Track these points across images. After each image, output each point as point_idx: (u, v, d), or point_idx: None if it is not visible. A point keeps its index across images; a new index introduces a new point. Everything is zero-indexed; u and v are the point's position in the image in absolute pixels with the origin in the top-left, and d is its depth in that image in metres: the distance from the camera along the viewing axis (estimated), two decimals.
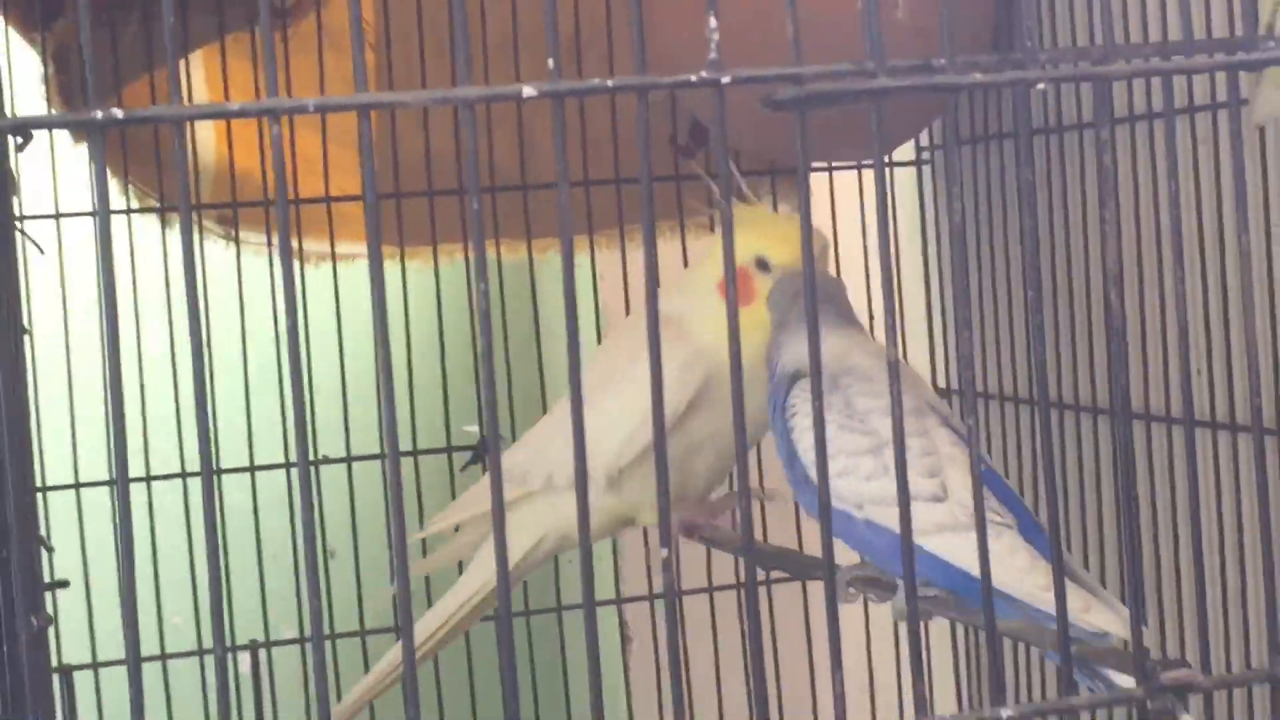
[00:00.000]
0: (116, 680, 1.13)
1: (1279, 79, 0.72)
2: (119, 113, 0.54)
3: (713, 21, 0.58)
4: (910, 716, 0.56)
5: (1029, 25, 1.06)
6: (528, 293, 1.31)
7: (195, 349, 0.54)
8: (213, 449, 0.57)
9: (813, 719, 1.28)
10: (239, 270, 1.24)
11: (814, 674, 1.25)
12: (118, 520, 0.54)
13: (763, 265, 1.02)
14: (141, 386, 1.16)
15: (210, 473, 0.55)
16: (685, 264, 1.31)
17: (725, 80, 0.57)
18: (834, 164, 1.32)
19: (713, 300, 1.00)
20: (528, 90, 0.57)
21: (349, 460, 1.27)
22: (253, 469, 1.26)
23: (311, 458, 1.13)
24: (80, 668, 1.19)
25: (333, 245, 1.27)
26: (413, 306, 1.27)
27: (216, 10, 1.22)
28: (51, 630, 1.04)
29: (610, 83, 0.58)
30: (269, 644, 1.24)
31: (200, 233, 1.26)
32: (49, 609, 0.97)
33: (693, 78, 0.57)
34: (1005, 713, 0.59)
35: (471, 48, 1.21)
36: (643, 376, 0.67)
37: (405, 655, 0.57)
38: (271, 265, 1.25)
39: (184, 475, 1.24)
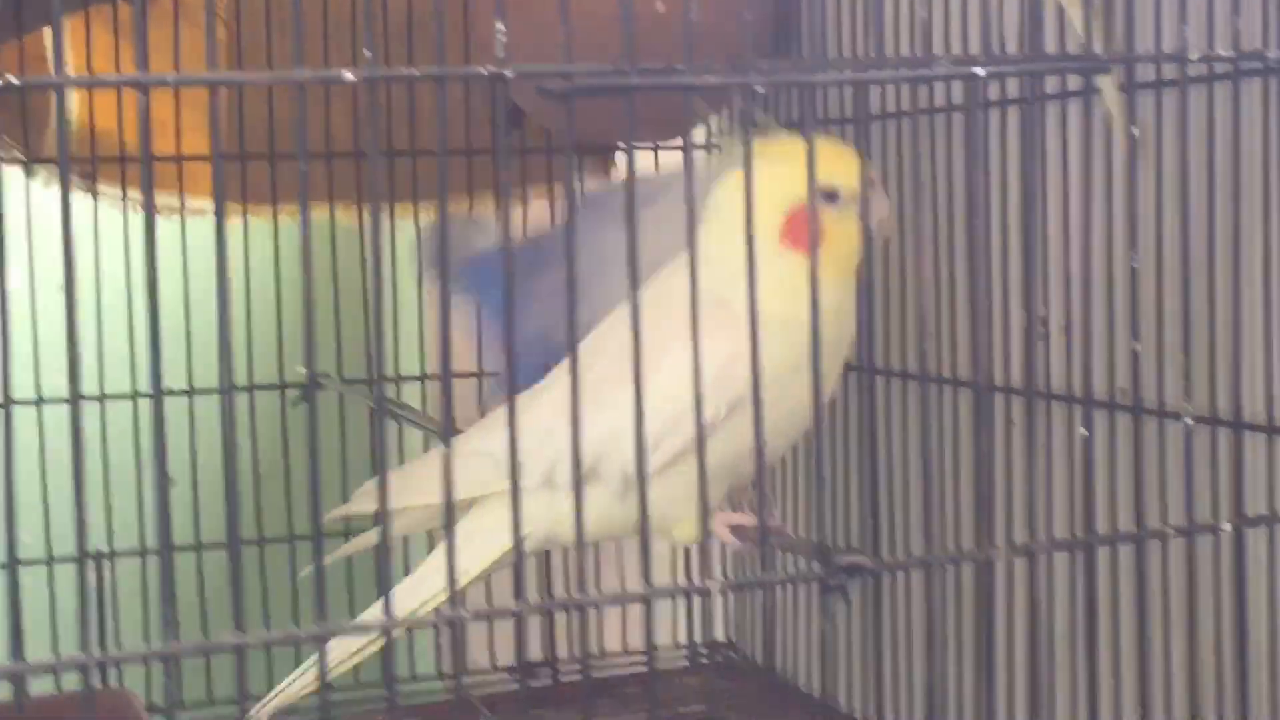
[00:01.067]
0: None
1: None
2: (14, 79, 0.62)
3: (500, 25, 0.69)
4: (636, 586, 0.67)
5: (753, 35, 1.15)
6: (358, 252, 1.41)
7: (69, 291, 0.63)
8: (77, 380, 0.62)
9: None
10: (95, 220, 1.32)
11: None
12: None
13: (831, 197, 0.88)
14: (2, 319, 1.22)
15: (77, 400, 0.62)
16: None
17: (509, 74, 0.67)
18: (635, 144, 1.42)
19: (772, 257, 0.84)
20: (348, 74, 0.67)
21: (190, 393, 1.35)
22: (102, 398, 1.33)
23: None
24: None
25: (182, 200, 1.35)
26: (253, 259, 1.37)
27: None
28: None
29: (416, 71, 0.69)
30: (113, 555, 1.33)
31: (64, 185, 1.33)
32: None
33: (483, 70, 0.68)
34: (712, 583, 0.67)
35: (315, 26, 1.33)
36: (679, 363, 0.69)
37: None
38: (125, 216, 1.34)
39: (39, 402, 1.30)
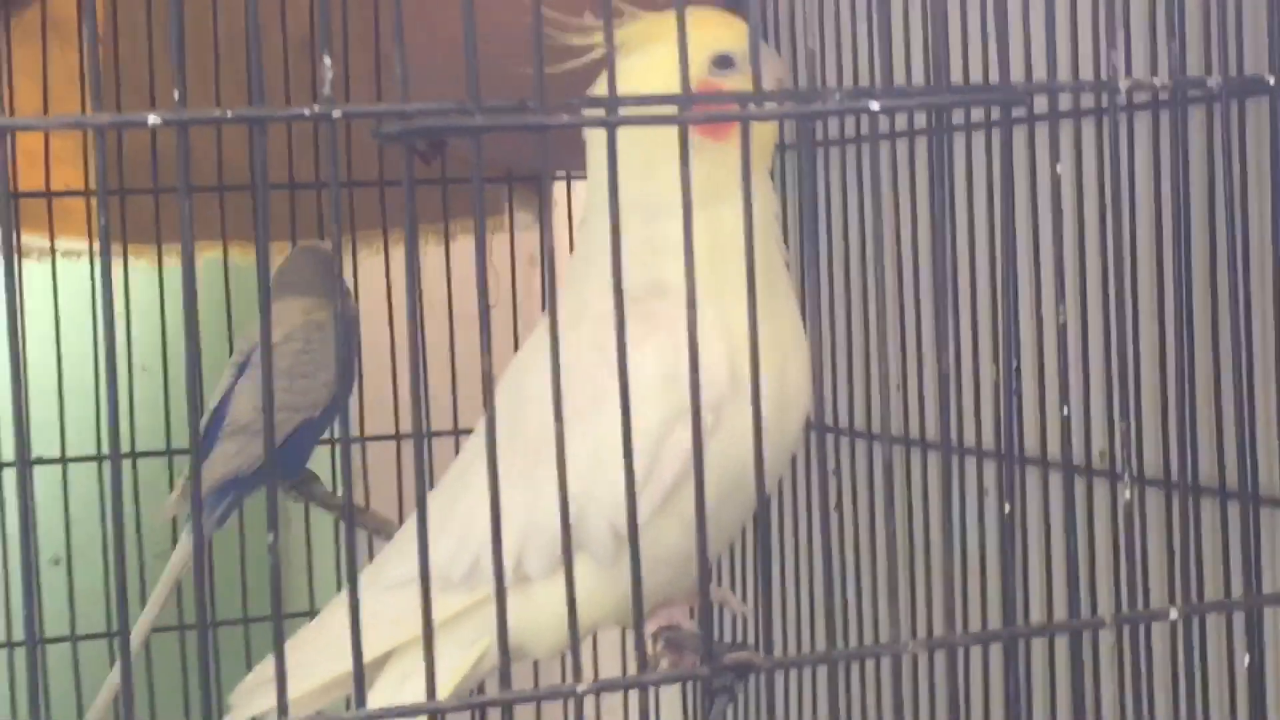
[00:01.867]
0: None
1: None
2: None
3: (327, 60, 0.66)
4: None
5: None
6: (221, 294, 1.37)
7: None
8: None
9: None
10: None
11: None
12: None
13: (725, 63, 0.81)
14: None
15: None
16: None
17: (336, 114, 0.65)
18: (571, 173, 1.41)
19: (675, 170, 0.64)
20: (152, 118, 0.64)
21: (64, 461, 1.33)
22: None
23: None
24: None
25: (52, 240, 1.33)
26: (135, 304, 1.31)
27: None
28: None
29: (229, 113, 0.66)
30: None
31: None
32: None
33: (306, 111, 0.65)
34: (580, 688, 0.65)
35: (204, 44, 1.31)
36: (638, 381, 0.61)
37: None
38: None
39: None
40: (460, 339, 1.37)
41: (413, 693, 0.79)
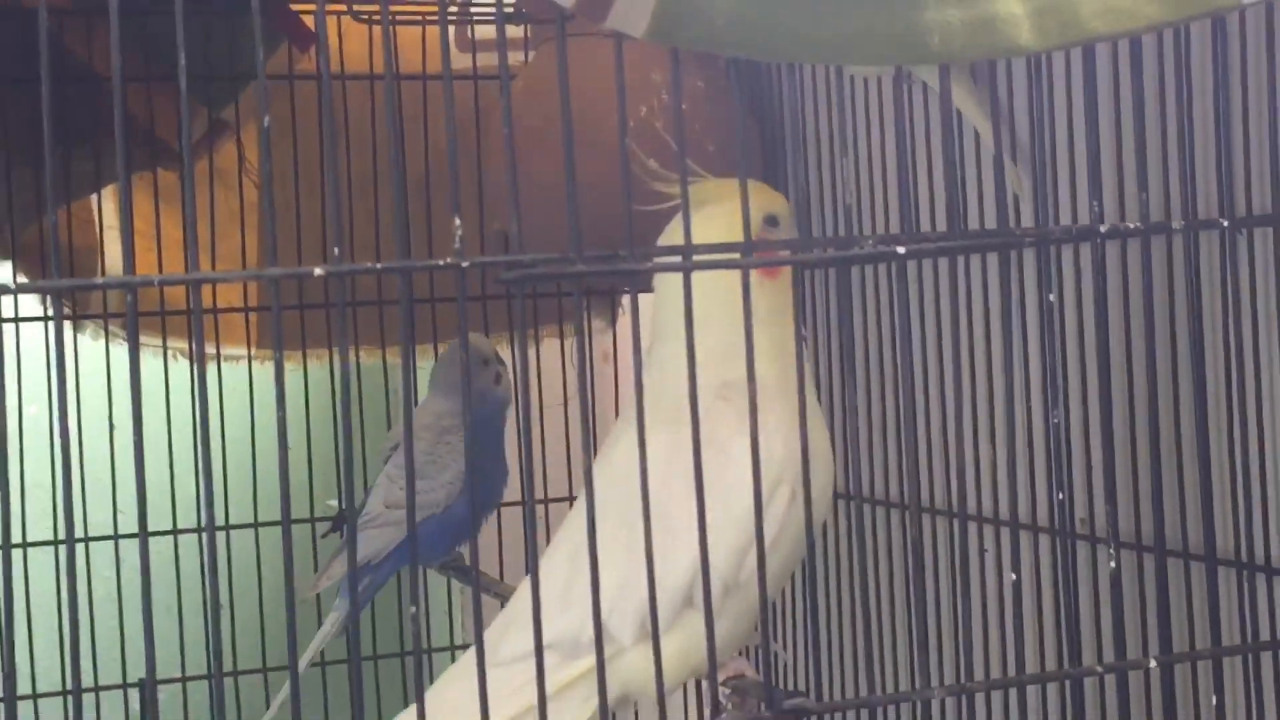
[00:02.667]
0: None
1: None
2: (71, 281, 0.69)
3: (457, 220, 0.73)
4: None
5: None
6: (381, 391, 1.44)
7: (63, 440, 0.64)
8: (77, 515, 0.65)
9: None
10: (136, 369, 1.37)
11: None
12: None
13: (773, 222, 0.87)
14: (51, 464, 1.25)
15: (72, 541, 0.64)
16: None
17: (465, 264, 0.71)
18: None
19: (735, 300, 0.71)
20: (318, 271, 0.71)
21: (227, 528, 1.39)
22: (144, 534, 1.35)
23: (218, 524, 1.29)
24: None
25: (218, 348, 1.40)
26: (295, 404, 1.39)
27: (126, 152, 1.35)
28: None
29: (380, 265, 0.72)
30: (155, 682, 1.34)
31: (107, 336, 1.40)
32: None
33: (442, 262, 0.72)
34: None
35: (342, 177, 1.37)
36: (737, 465, 0.68)
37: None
38: (165, 362, 1.39)
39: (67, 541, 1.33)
40: (549, 420, 1.42)
41: None
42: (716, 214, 0.81)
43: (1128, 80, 0.80)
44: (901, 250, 0.74)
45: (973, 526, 1.01)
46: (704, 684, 0.91)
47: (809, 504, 0.70)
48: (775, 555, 0.79)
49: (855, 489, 0.69)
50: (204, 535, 0.65)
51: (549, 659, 0.75)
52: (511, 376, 1.25)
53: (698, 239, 0.74)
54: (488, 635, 0.82)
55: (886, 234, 0.91)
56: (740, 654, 0.87)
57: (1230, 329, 0.80)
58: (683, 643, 0.81)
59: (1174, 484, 0.90)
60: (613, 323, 1.53)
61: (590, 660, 0.75)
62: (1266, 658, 0.82)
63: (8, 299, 1.21)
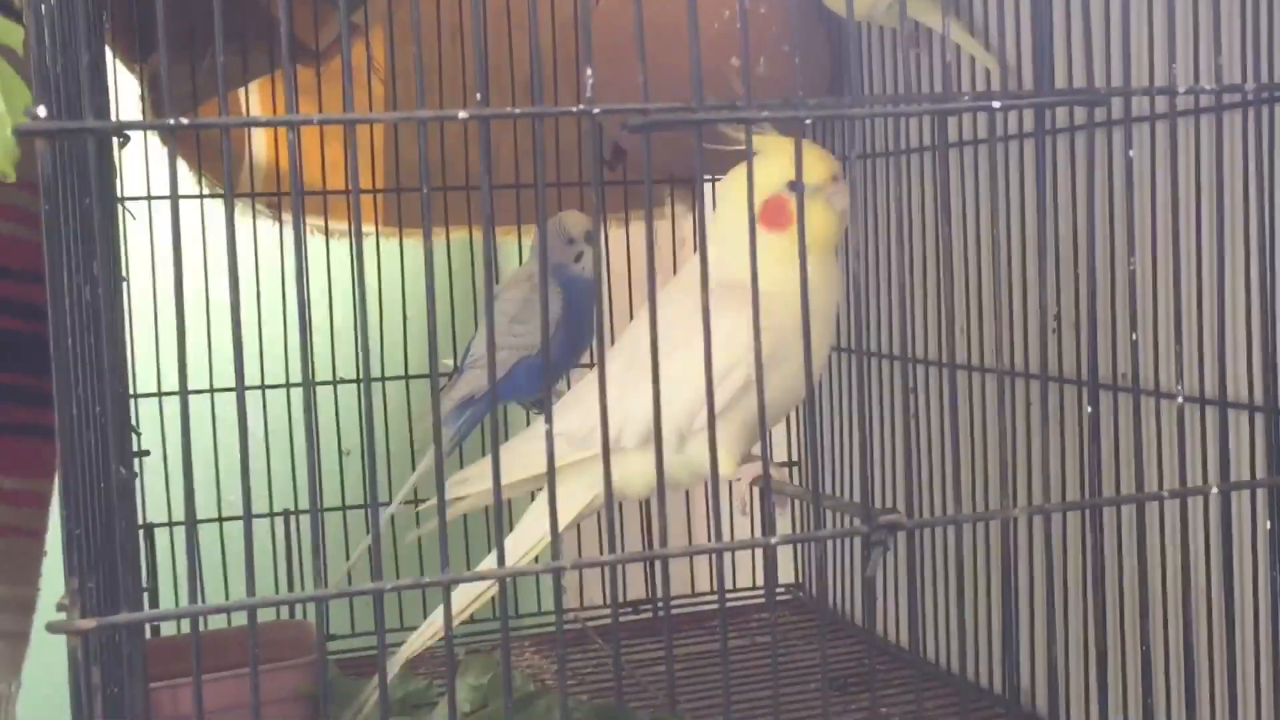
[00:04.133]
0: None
1: None
2: (185, 120, 0.62)
3: (589, 71, 0.66)
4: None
5: (810, 81, 1.12)
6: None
7: (234, 304, 0.63)
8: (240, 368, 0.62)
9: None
10: (282, 242, 1.31)
11: None
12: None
13: (794, 187, 0.82)
14: (208, 322, 1.20)
15: (241, 388, 0.63)
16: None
17: (596, 111, 0.64)
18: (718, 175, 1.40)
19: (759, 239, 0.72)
20: (462, 114, 0.65)
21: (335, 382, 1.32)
22: (287, 385, 1.30)
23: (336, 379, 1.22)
24: (159, 525, 1.27)
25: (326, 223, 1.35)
26: (409, 272, 1.31)
27: (268, 50, 1.28)
28: (139, 499, 1.12)
29: (516, 110, 0.66)
30: (298, 512, 1.30)
31: (254, 213, 1.33)
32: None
33: (574, 108, 0.66)
34: (774, 539, 0.66)
35: (454, 79, 1.31)
36: (713, 334, 0.64)
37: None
38: (311, 241, 1.33)
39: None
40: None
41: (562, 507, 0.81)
42: (760, 166, 0.75)
43: None
44: (997, 105, 0.67)
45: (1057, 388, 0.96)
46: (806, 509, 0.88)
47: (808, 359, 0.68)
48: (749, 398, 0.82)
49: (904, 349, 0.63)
50: (361, 385, 0.64)
51: (562, 444, 0.83)
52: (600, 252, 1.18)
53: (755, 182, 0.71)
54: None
55: (984, 90, 0.83)
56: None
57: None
58: (641, 460, 0.85)
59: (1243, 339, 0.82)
60: (692, 209, 1.46)
61: (590, 451, 0.87)
62: None
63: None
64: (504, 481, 0.80)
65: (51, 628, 0.57)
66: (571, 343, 1.22)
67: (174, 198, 0.62)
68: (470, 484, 0.95)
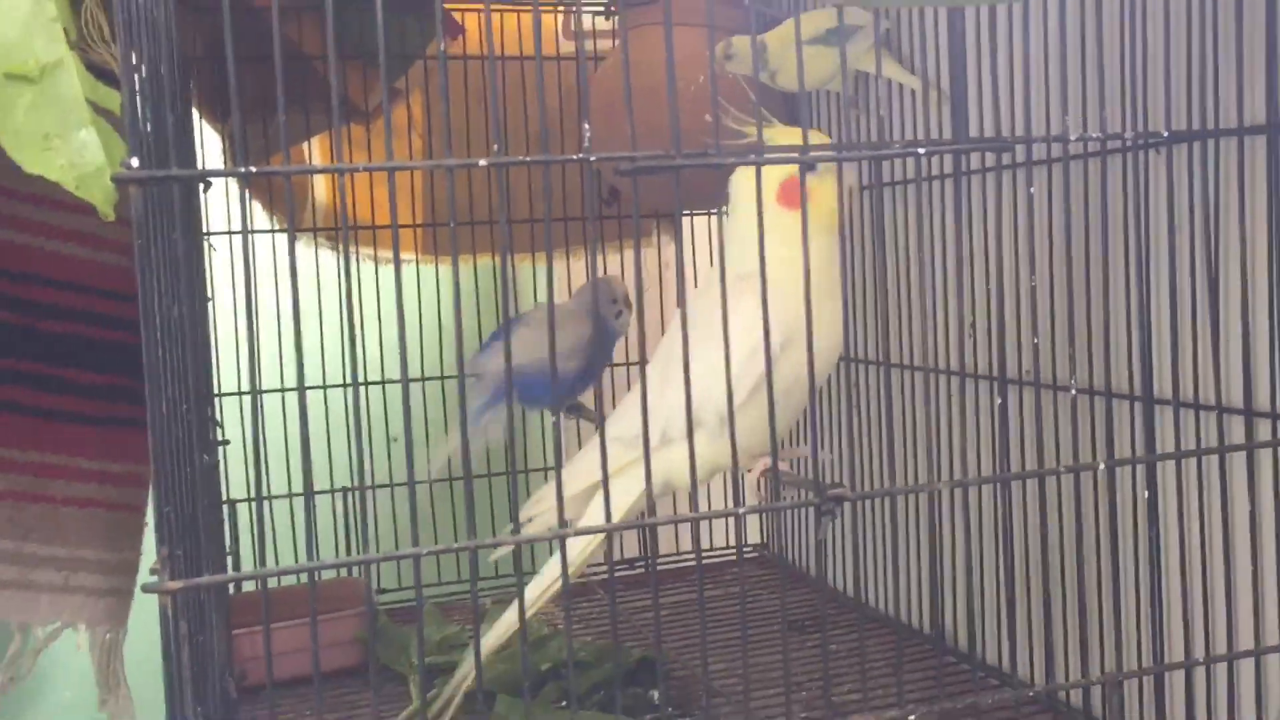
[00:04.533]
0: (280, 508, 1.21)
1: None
2: (254, 169, 0.62)
3: (586, 126, 0.66)
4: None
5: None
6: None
7: (295, 319, 0.61)
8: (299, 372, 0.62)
9: None
10: (341, 269, 1.30)
11: None
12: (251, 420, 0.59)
13: (811, 168, 0.78)
14: (279, 333, 1.19)
15: (303, 387, 0.61)
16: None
17: (593, 159, 0.64)
18: (694, 212, 1.39)
19: (777, 216, 0.72)
20: (482, 162, 0.64)
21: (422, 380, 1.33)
22: (343, 385, 1.27)
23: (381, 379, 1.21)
24: (240, 501, 1.25)
25: (375, 252, 1.34)
26: (444, 291, 1.31)
27: (326, 111, 1.27)
28: (224, 480, 1.11)
29: (527, 158, 0.66)
30: (363, 488, 1.29)
31: (316, 245, 1.32)
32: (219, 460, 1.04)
33: (574, 156, 0.65)
34: (741, 509, 0.64)
35: (480, 135, 1.30)
36: (737, 326, 0.63)
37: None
38: (363, 266, 1.33)
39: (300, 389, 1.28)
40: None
41: (618, 500, 0.76)
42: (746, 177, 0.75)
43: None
44: (922, 151, 0.66)
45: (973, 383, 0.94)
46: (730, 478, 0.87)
47: (811, 363, 0.64)
48: (760, 396, 0.73)
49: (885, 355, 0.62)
50: (402, 386, 0.63)
51: (616, 449, 0.75)
52: (631, 314, 1.21)
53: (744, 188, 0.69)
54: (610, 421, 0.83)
55: (911, 140, 0.82)
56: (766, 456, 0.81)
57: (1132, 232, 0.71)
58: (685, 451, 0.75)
59: (1124, 338, 0.81)
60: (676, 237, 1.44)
61: (637, 451, 0.75)
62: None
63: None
64: (570, 493, 0.77)
65: (146, 588, 0.56)
66: (586, 374, 1.21)
67: (245, 232, 0.62)
68: (542, 503, 0.87)
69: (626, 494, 0.81)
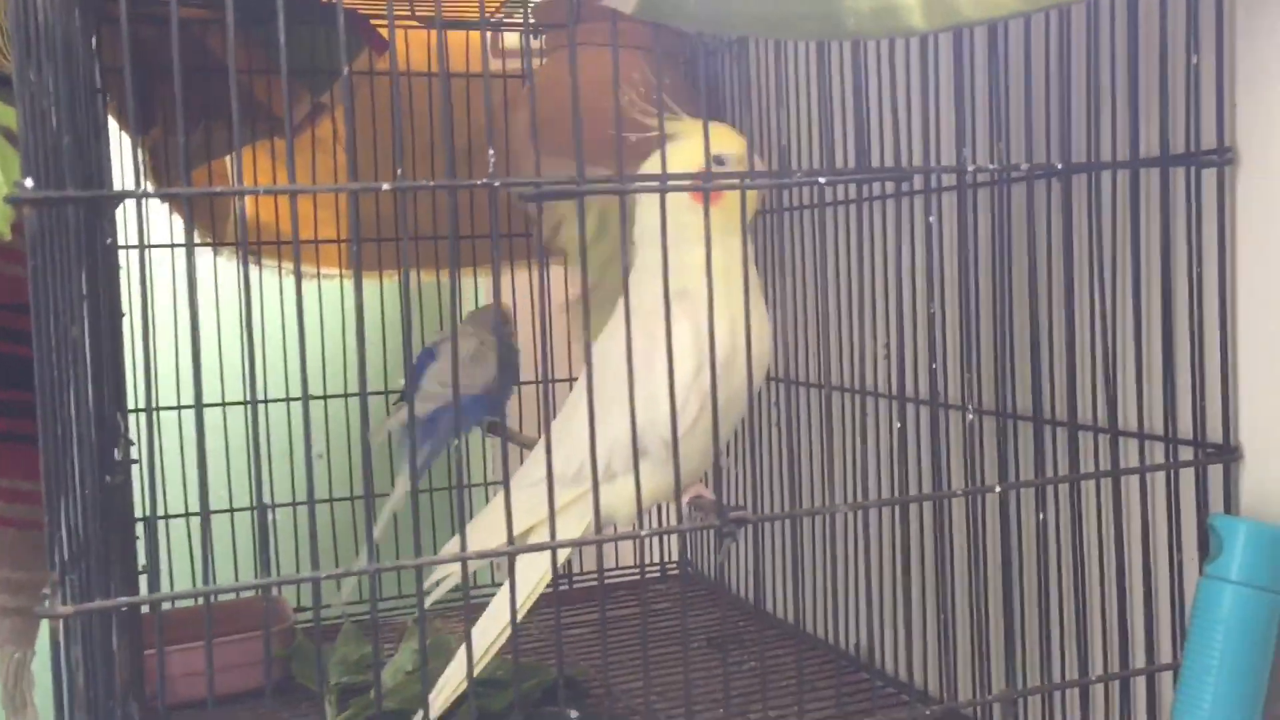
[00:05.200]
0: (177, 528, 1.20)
1: None
2: (198, 190, 0.62)
3: (491, 152, 0.66)
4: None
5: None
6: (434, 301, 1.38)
7: (194, 337, 0.61)
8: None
9: None
10: (261, 283, 1.30)
11: None
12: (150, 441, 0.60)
13: (720, 161, 0.77)
14: (220, 349, 1.17)
15: (201, 405, 0.61)
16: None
17: (497, 184, 0.64)
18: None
19: (690, 214, 0.71)
20: (385, 186, 0.64)
21: (325, 398, 1.32)
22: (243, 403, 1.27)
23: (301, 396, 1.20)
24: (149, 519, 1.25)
25: (318, 269, 1.33)
26: (367, 308, 1.31)
27: (250, 125, 1.27)
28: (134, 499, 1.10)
29: (431, 183, 0.66)
30: (274, 505, 1.27)
31: (241, 259, 1.32)
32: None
33: (478, 181, 0.65)
34: (643, 532, 0.65)
35: (406, 146, 1.30)
36: (676, 348, 0.61)
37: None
38: (280, 280, 1.30)
39: (223, 405, 1.24)
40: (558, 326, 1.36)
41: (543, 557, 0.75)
42: (681, 148, 0.73)
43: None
44: (823, 179, 0.67)
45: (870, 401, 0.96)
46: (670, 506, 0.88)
47: (750, 374, 0.65)
48: (704, 419, 0.72)
49: (787, 373, 0.63)
50: (302, 403, 0.62)
51: (556, 487, 0.71)
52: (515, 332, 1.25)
53: (673, 164, 0.68)
54: (519, 471, 0.80)
55: (811, 168, 0.84)
56: (700, 482, 0.81)
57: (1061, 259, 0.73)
58: (629, 483, 0.73)
59: (1027, 362, 0.82)
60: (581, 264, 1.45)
61: (577, 489, 0.75)
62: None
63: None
64: (497, 542, 0.67)
65: (38, 613, 0.56)
66: (505, 388, 1.24)
67: (189, 248, 0.62)
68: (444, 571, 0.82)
69: (570, 532, 0.78)
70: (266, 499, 1.27)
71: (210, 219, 1.30)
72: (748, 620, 1.21)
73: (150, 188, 0.98)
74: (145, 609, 1.12)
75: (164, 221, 1.30)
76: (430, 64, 1.31)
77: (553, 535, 0.63)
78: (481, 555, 0.63)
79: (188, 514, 1.26)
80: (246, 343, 0.59)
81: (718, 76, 1.28)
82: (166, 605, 1.17)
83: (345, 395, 1.33)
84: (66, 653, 0.56)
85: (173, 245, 1.27)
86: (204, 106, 1.21)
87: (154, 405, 0.59)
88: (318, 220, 1.31)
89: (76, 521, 0.61)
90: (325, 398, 1.32)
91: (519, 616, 0.70)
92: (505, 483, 0.64)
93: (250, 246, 1.31)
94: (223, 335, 1.22)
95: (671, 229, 0.66)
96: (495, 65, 1.31)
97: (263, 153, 1.29)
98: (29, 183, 0.56)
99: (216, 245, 1.31)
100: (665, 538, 1.36)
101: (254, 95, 1.25)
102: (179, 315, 1.19)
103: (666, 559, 1.42)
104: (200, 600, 1.04)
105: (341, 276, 1.36)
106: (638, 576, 1.36)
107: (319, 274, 1.33)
